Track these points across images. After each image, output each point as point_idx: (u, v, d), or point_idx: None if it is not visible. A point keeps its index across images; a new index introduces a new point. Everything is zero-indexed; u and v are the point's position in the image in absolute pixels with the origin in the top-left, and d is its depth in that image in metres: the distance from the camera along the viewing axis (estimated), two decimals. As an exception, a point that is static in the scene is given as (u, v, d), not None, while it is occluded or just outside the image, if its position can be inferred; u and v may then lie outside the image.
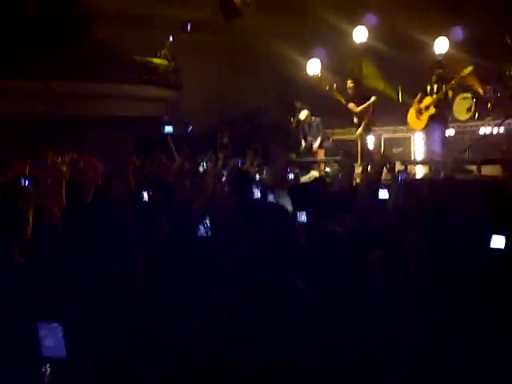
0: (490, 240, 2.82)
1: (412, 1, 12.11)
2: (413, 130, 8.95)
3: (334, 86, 10.25)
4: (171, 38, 13.16)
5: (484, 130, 8.83)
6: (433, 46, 10.47)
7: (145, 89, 12.37)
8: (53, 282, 2.42)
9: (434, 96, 7.95)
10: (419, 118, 8.12)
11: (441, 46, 10.33)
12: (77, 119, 10.44)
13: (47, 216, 3.35)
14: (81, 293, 2.31)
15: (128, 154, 6.82)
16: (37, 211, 3.13)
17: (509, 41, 10.51)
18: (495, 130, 9.15)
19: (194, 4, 14.86)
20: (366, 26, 11.14)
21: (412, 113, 8.24)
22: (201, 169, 7.56)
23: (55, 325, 1.85)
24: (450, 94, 8.20)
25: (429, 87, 8.10)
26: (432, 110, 7.94)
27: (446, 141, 8.15)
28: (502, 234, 2.80)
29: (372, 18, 11.30)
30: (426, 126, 8.07)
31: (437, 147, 8.11)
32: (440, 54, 10.28)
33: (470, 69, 8.07)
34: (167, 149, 9.72)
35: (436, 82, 8.09)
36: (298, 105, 11.45)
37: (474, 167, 7.92)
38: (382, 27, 11.92)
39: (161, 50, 12.86)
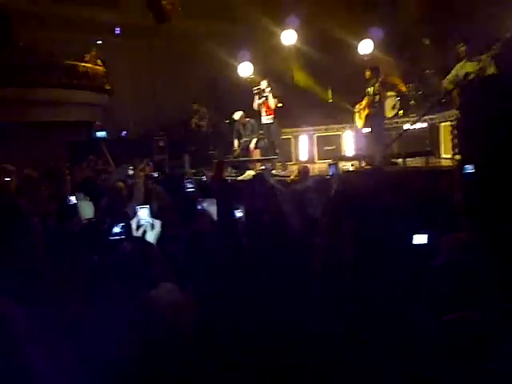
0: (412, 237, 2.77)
1: (336, 4, 12.58)
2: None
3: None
4: (99, 42, 12.89)
5: (408, 126, 9.31)
6: (357, 48, 11.01)
7: (74, 93, 12.01)
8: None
9: (367, 98, 8.59)
10: (360, 118, 8.90)
11: (365, 47, 10.90)
12: (5, 126, 10.03)
13: None
14: None
15: (59, 159, 6.58)
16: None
17: (427, 42, 11.19)
18: (418, 125, 9.70)
19: (122, 7, 14.65)
20: (294, 29, 11.49)
21: (357, 113, 9.03)
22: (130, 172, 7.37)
23: None
24: (378, 95, 8.67)
25: (370, 89, 8.65)
26: (367, 111, 8.61)
27: (381, 137, 8.63)
28: (425, 232, 2.78)
29: (295, 21, 11.65)
30: (364, 125, 8.80)
31: (371, 143, 8.62)
32: (365, 55, 10.83)
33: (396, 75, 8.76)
34: (101, 154, 9.56)
35: (371, 85, 8.68)
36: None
37: (399, 160, 8.39)
38: (310, 31, 12.29)
39: (89, 53, 12.49)
